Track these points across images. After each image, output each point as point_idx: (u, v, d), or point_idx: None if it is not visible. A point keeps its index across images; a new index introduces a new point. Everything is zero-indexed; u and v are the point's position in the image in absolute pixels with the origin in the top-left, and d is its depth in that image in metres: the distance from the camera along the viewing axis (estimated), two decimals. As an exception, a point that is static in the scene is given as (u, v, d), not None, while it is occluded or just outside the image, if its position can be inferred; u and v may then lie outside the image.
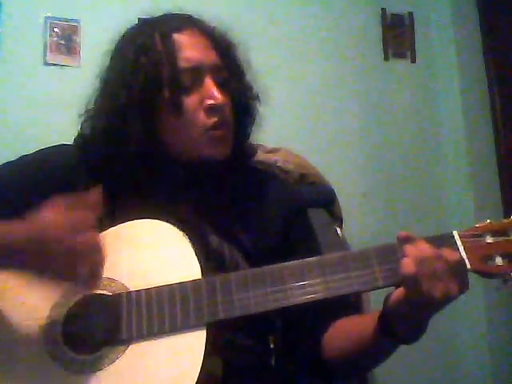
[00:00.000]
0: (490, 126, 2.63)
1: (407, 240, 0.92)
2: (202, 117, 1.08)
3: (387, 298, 0.94)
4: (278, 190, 1.22)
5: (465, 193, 2.56)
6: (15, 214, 1.05)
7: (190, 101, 1.08)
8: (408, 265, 0.87)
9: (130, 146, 1.06)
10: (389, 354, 1.01)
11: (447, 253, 0.88)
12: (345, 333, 1.08)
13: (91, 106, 1.14)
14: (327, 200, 1.93)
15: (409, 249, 0.89)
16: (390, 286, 0.92)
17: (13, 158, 1.16)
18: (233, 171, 1.14)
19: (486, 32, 2.66)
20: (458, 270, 0.88)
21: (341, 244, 1.86)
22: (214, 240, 1.08)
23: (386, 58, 2.63)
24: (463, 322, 2.50)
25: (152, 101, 1.07)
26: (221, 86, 1.10)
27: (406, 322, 0.93)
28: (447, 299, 0.88)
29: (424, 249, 0.89)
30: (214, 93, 1.08)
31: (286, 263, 0.94)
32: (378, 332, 0.96)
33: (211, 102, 1.08)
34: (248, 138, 1.20)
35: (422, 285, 0.86)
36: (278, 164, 1.84)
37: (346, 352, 1.07)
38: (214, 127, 1.08)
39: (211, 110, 1.08)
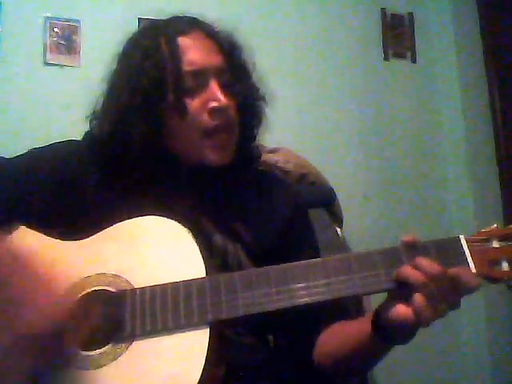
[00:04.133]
0: (489, 126, 2.63)
1: (412, 247, 0.91)
2: (205, 119, 1.08)
3: (385, 309, 0.91)
4: (280, 190, 1.22)
5: (465, 193, 2.56)
6: (23, 206, 1.05)
7: (194, 103, 1.08)
8: (422, 302, 0.85)
9: (134, 149, 1.07)
10: (382, 356, 1.00)
11: (462, 273, 0.87)
12: (337, 337, 1.08)
13: (98, 107, 1.14)
14: (327, 200, 1.93)
15: (410, 273, 0.87)
16: (393, 290, 0.91)
17: (29, 149, 1.16)
18: (237, 172, 1.15)
19: (486, 32, 2.66)
20: (468, 289, 0.87)
21: (340, 244, 1.86)
22: (218, 239, 1.08)
23: (386, 58, 2.63)
24: (463, 322, 2.50)
25: (156, 103, 1.08)
26: (225, 88, 1.10)
27: (403, 332, 0.92)
28: (452, 310, 0.88)
29: (427, 270, 0.86)
30: (217, 95, 1.08)
31: (291, 264, 0.94)
32: (373, 337, 0.95)
33: (215, 104, 1.08)
34: (254, 140, 1.20)
35: (432, 311, 0.86)
36: (279, 164, 1.84)
37: (339, 356, 1.06)
38: (217, 130, 1.09)
39: (215, 112, 1.08)
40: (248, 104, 1.16)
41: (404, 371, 2.35)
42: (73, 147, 1.16)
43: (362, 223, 2.37)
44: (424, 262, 0.87)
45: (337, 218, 1.96)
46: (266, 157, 1.86)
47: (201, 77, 1.09)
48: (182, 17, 1.18)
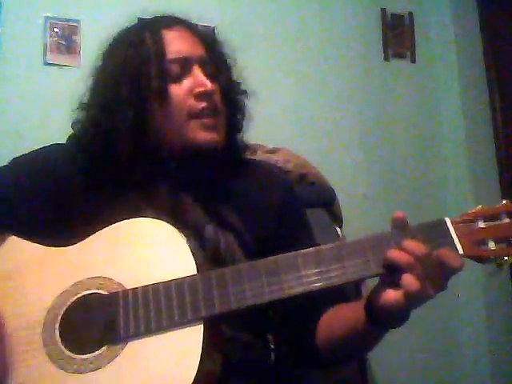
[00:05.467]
0: (489, 126, 2.63)
1: (402, 225, 0.91)
2: (191, 102, 1.10)
3: (376, 295, 0.92)
4: (270, 178, 1.23)
5: (465, 193, 2.56)
6: (11, 216, 1.05)
7: (180, 89, 1.10)
8: (412, 282, 0.86)
9: (121, 140, 1.07)
10: (377, 340, 1.01)
11: (446, 254, 0.88)
12: (331, 322, 1.08)
13: (83, 103, 1.15)
14: (327, 200, 1.93)
15: (397, 256, 0.88)
16: (383, 275, 0.91)
17: (12, 158, 1.16)
18: (226, 162, 1.15)
19: (486, 32, 2.66)
20: (456, 271, 0.88)
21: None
22: (210, 229, 1.08)
23: (386, 58, 2.64)
24: (463, 322, 2.51)
25: (141, 92, 1.09)
26: (209, 76, 1.12)
27: (396, 316, 0.92)
28: (438, 293, 0.88)
29: (413, 251, 0.87)
30: (203, 80, 1.10)
31: (281, 255, 0.94)
32: (366, 321, 0.96)
33: (201, 89, 1.10)
34: (239, 132, 1.21)
35: (421, 291, 0.86)
36: (279, 164, 1.85)
37: (335, 340, 1.07)
38: (204, 113, 1.10)
39: (201, 96, 1.10)
40: (230, 95, 1.17)
41: (404, 371, 2.35)
42: (57, 151, 1.16)
43: (362, 223, 2.37)
44: (410, 243, 0.88)
45: (337, 218, 1.96)
46: (266, 157, 1.86)
47: (185, 64, 1.11)
48: (165, 15, 1.21)
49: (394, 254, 0.88)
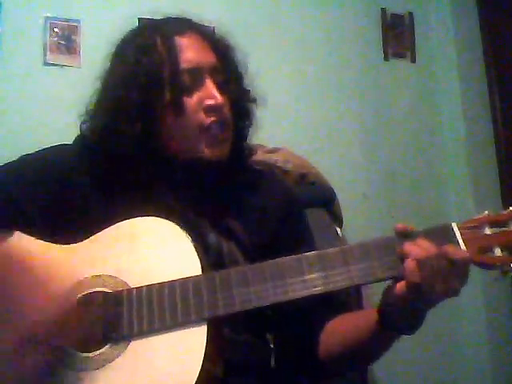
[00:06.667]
0: (490, 126, 2.63)
1: (405, 234, 0.92)
2: (201, 116, 1.10)
3: (386, 292, 0.93)
4: (274, 187, 1.23)
5: (465, 193, 2.56)
6: (16, 212, 1.06)
7: (191, 101, 1.10)
8: (412, 268, 0.87)
9: (129, 146, 1.07)
10: (388, 346, 1.01)
11: (451, 250, 0.88)
12: (341, 330, 1.08)
13: (91, 107, 1.14)
14: (327, 200, 1.93)
15: (410, 248, 0.89)
16: (389, 279, 0.92)
17: (12, 158, 1.16)
18: (231, 170, 1.15)
19: (485, 32, 2.66)
20: (460, 267, 0.88)
21: (341, 244, 1.86)
22: (213, 237, 1.08)
23: (386, 58, 2.63)
24: (463, 321, 2.50)
25: (152, 101, 1.09)
26: (220, 87, 1.12)
27: (405, 316, 0.93)
28: (449, 296, 0.89)
29: (426, 248, 0.89)
30: (213, 93, 1.10)
31: (286, 258, 0.95)
32: (378, 326, 0.96)
33: (211, 102, 1.10)
34: (246, 140, 1.21)
35: (425, 285, 0.86)
36: (278, 164, 1.84)
37: (344, 349, 1.07)
38: (213, 127, 1.09)
39: (210, 109, 1.10)
40: (240, 104, 1.17)
41: (404, 371, 2.35)
42: (64, 151, 1.16)
43: (362, 223, 2.37)
44: (424, 241, 0.90)
45: (337, 218, 1.96)
46: (265, 157, 1.86)
47: (196, 75, 1.11)
48: (176, 18, 1.20)
49: (407, 247, 0.90)
